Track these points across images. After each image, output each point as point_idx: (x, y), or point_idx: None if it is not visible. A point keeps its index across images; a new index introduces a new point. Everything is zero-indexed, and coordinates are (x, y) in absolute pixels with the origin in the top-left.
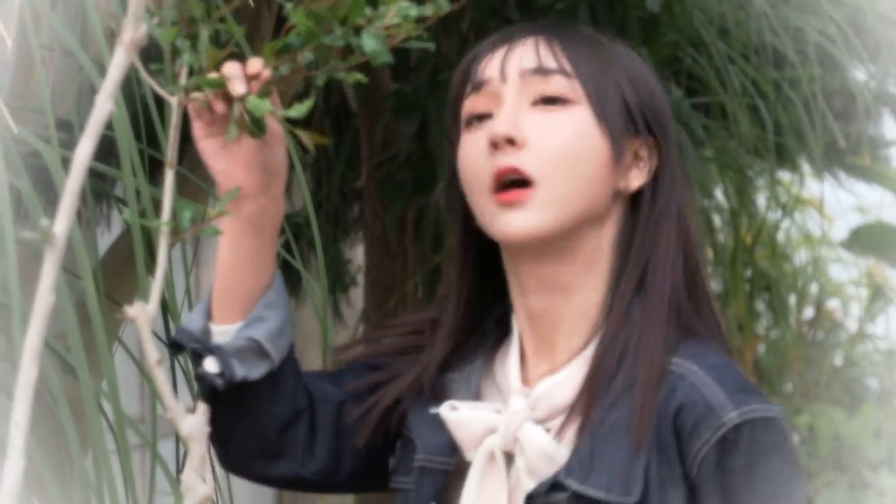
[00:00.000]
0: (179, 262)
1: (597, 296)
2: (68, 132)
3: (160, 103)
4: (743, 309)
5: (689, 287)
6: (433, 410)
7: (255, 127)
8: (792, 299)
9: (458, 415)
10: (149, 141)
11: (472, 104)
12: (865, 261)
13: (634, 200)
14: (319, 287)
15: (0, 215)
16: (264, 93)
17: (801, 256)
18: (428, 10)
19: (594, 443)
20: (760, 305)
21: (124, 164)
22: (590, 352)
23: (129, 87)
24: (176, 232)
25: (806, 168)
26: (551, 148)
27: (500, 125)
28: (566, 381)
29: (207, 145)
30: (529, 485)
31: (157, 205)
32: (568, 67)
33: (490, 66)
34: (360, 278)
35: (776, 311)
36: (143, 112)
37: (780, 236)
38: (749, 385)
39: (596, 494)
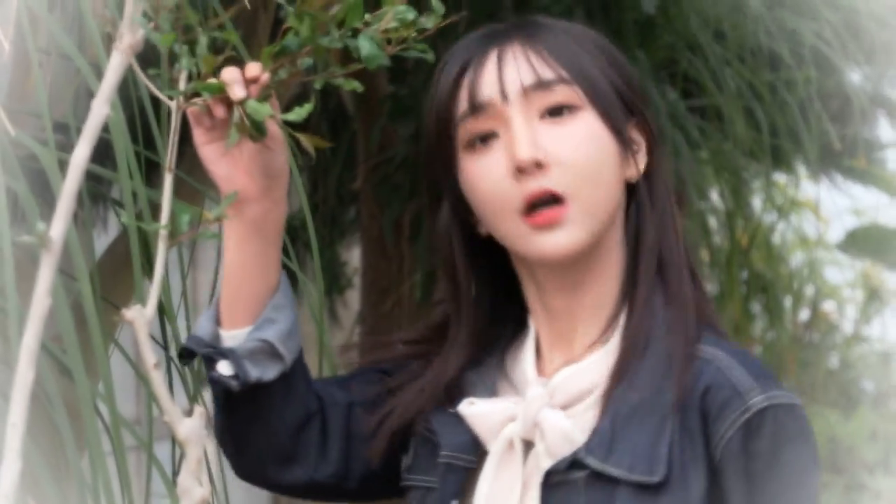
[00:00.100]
0: (176, 265)
1: (614, 287)
2: (65, 135)
3: (156, 106)
4: (739, 311)
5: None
6: (452, 410)
7: (256, 130)
8: (788, 301)
9: (476, 408)
10: (145, 143)
11: (472, 126)
12: (861, 263)
13: (629, 185)
14: (316, 289)
15: None
16: (264, 96)
17: (796, 258)
18: (429, 23)
19: (615, 424)
20: (756, 307)
21: (121, 166)
22: (612, 344)
23: (126, 91)
24: (173, 235)
25: (802, 170)
26: (576, 162)
27: (523, 150)
28: (586, 370)
29: (208, 151)
30: (546, 464)
31: (153, 207)
32: (565, 74)
33: (486, 86)
34: (357, 280)
35: (772, 313)
36: (139, 115)
37: (776, 238)
38: (771, 373)
39: (617, 473)
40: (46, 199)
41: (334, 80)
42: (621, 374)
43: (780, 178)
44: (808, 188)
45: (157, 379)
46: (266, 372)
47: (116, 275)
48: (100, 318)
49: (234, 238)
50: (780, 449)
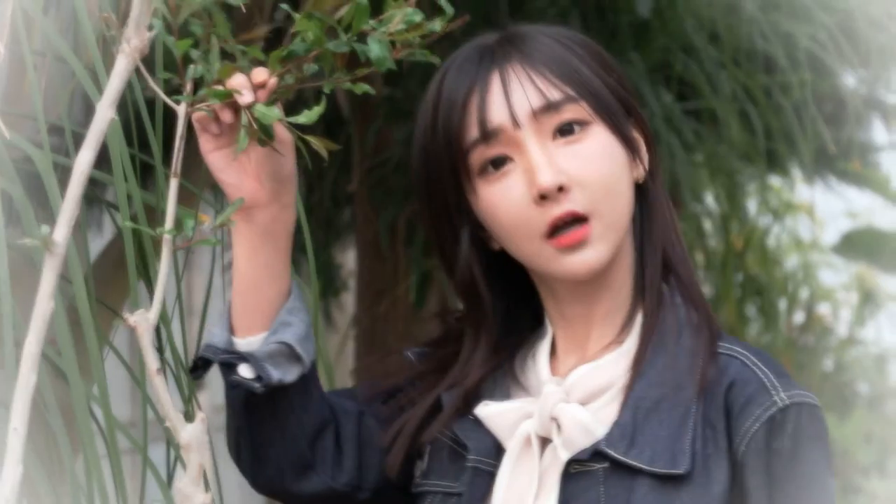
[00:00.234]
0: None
1: (627, 289)
2: (60, 138)
3: (152, 108)
4: (734, 314)
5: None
6: (472, 416)
7: (264, 134)
8: (782, 304)
9: (491, 409)
10: (140, 146)
11: (483, 152)
12: (856, 266)
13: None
14: (311, 291)
15: None
16: (271, 100)
17: (791, 261)
18: (437, 25)
19: (637, 418)
20: (751, 310)
21: (116, 169)
22: (628, 344)
23: (121, 93)
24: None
25: (796, 173)
26: (595, 180)
27: (545, 178)
28: (602, 368)
29: (216, 158)
30: (565, 455)
31: (148, 210)
32: (570, 91)
33: (495, 113)
34: (352, 283)
35: (767, 315)
36: (134, 117)
37: (771, 241)
38: (789, 373)
39: (638, 464)
40: (41, 201)
41: (342, 84)
42: (642, 367)
43: (774, 180)
44: (803, 191)
45: (160, 384)
46: (286, 374)
47: (111, 278)
48: (95, 320)
49: (244, 245)
50: (800, 448)
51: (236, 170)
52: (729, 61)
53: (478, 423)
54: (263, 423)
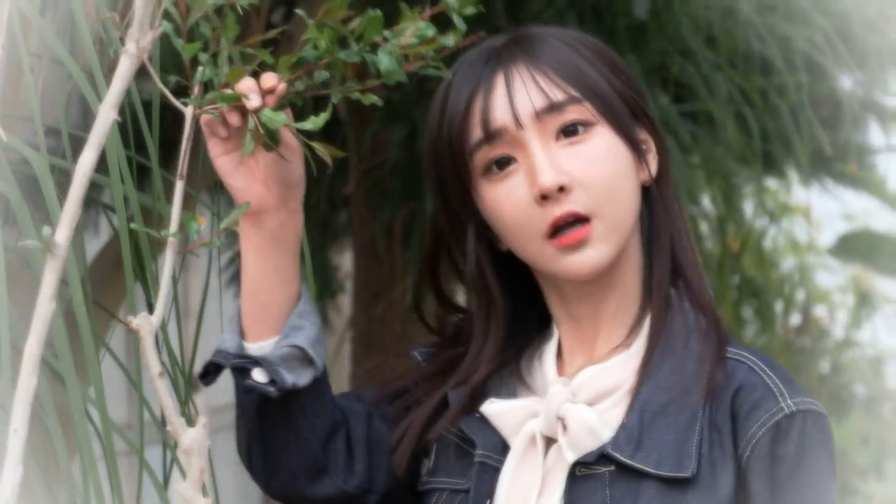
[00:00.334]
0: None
1: (635, 290)
2: (57, 140)
3: (148, 110)
4: (730, 316)
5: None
6: (478, 414)
7: (270, 139)
8: (779, 306)
9: (497, 406)
10: (137, 147)
11: (487, 153)
12: (852, 268)
13: (643, 187)
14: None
15: None
16: (279, 106)
17: (788, 263)
18: (449, 41)
19: (643, 421)
20: (748, 312)
21: (112, 170)
22: (635, 348)
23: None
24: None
25: (793, 175)
26: (597, 181)
27: (546, 178)
28: (610, 370)
29: (224, 162)
30: (571, 456)
31: (145, 212)
32: (574, 92)
33: (498, 114)
34: (348, 285)
35: (763, 318)
36: (131, 119)
37: (768, 243)
38: (796, 381)
39: (645, 468)
40: (38, 204)
41: (351, 93)
42: (649, 370)
43: (771, 183)
44: (800, 193)
45: (162, 387)
46: (300, 377)
47: (107, 280)
48: (91, 322)
49: (253, 250)
50: (805, 455)
51: (244, 174)
52: (725, 63)
53: (484, 420)
54: (276, 427)
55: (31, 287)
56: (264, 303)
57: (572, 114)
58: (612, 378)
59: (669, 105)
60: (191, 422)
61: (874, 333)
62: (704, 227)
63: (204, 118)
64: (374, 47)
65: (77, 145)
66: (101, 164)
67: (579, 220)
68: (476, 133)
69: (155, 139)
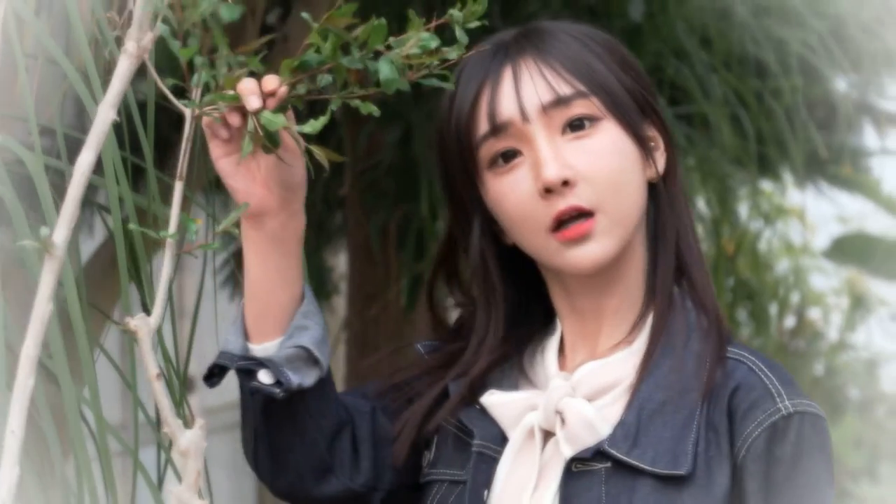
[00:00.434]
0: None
1: (639, 286)
2: (52, 140)
3: (143, 110)
4: (725, 317)
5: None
6: (478, 406)
7: (269, 142)
8: (773, 309)
9: (497, 398)
10: (132, 148)
11: (493, 146)
12: (846, 270)
13: (649, 184)
14: None
15: None
16: (279, 108)
17: (782, 266)
18: (452, 53)
19: (641, 418)
20: (742, 314)
21: (107, 171)
22: (637, 345)
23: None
24: (158, 243)
25: (788, 178)
26: (602, 176)
27: (550, 171)
28: (611, 366)
29: (225, 164)
30: (568, 451)
31: (140, 212)
32: (581, 87)
33: (505, 107)
34: (343, 286)
35: (758, 320)
36: (126, 119)
37: (762, 246)
38: (796, 382)
39: (640, 465)
40: (32, 204)
41: (351, 100)
42: (649, 368)
43: (766, 185)
44: (794, 195)
45: (159, 389)
46: (305, 378)
47: (102, 280)
48: (86, 323)
49: (255, 252)
50: (801, 457)
51: (245, 176)
52: (720, 66)
53: (483, 411)
54: (282, 428)
55: (25, 287)
56: (267, 304)
57: (579, 108)
58: (613, 374)
59: (664, 107)
60: (187, 423)
61: (868, 336)
62: (699, 229)
63: (206, 120)
64: (378, 55)
65: (72, 146)
66: (96, 165)
67: (583, 214)
68: (483, 126)
69: (150, 140)
